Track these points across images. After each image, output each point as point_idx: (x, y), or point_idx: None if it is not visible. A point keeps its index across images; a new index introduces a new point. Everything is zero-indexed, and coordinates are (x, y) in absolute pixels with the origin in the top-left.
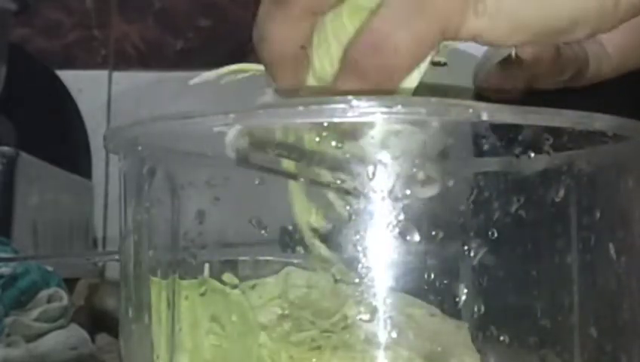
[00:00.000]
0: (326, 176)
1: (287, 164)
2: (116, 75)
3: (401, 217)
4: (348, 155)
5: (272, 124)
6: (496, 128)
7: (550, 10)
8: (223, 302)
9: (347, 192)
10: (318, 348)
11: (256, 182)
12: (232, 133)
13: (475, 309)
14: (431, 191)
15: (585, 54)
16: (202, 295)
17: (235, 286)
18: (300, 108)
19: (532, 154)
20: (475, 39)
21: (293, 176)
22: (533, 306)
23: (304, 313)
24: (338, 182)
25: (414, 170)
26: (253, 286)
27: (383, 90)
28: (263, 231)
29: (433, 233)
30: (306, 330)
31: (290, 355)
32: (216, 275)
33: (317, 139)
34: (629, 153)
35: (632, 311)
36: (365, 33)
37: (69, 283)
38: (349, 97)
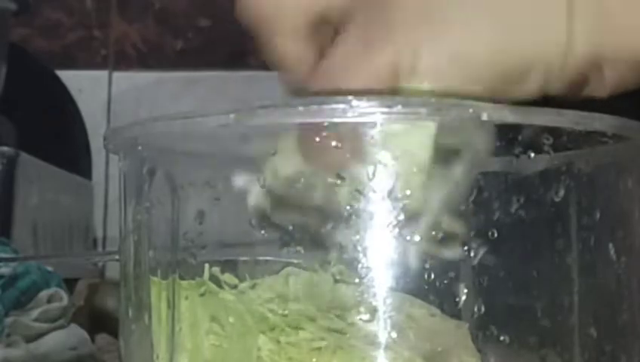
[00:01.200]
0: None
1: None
2: (116, 75)
3: (401, 217)
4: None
5: (271, 123)
6: (497, 128)
7: (501, 55)
8: (220, 304)
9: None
10: (318, 348)
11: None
12: (254, 194)
13: (475, 309)
14: (454, 253)
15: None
16: (202, 295)
17: (234, 286)
18: (300, 108)
19: (532, 155)
20: (425, 83)
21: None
22: (533, 306)
23: (304, 313)
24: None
25: (414, 169)
26: (253, 286)
27: None
28: (263, 231)
29: (433, 233)
30: (306, 331)
31: (290, 356)
32: (216, 275)
33: (317, 139)
34: (628, 153)
35: (632, 311)
36: (322, 65)
37: (69, 283)
38: (349, 97)
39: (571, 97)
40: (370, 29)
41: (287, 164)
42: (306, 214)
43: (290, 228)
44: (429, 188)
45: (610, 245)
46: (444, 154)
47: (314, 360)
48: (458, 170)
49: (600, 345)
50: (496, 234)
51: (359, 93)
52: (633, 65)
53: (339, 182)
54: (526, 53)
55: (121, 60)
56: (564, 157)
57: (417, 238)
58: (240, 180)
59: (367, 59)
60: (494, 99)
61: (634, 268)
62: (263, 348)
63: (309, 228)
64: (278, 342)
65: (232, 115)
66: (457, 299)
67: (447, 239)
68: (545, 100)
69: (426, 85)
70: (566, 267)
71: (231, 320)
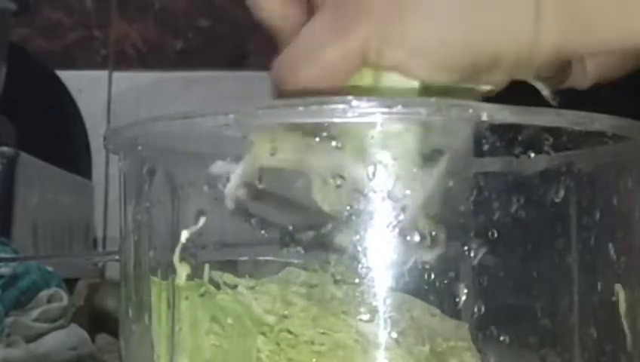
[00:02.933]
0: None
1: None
2: (116, 75)
3: (401, 217)
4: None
5: (271, 123)
6: (497, 128)
7: (469, 47)
8: (218, 305)
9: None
10: (318, 350)
11: (256, 183)
12: (232, 183)
13: (475, 309)
14: (435, 253)
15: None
16: (202, 295)
17: (234, 287)
18: (300, 108)
19: (532, 155)
20: (396, 70)
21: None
22: (533, 306)
23: (303, 314)
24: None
25: (414, 170)
26: (252, 287)
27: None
28: (263, 231)
29: (433, 233)
30: (306, 332)
31: (290, 357)
32: (215, 276)
33: (317, 139)
34: (628, 153)
35: (632, 311)
36: (292, 45)
37: (69, 283)
38: (349, 97)
39: (554, 87)
40: (343, 12)
41: (265, 156)
42: (284, 207)
43: (290, 228)
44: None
45: (610, 245)
46: (424, 156)
47: (314, 360)
48: (436, 172)
49: (600, 345)
50: (496, 235)
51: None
52: (611, 57)
53: (339, 181)
54: (494, 46)
55: (121, 60)
56: (564, 157)
57: (417, 238)
58: (217, 168)
59: (337, 41)
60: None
61: (634, 268)
62: (262, 349)
63: (307, 227)
64: (278, 343)
65: (231, 115)
66: (457, 299)
67: (424, 240)
68: (544, 100)
69: (394, 74)
70: (566, 267)
71: (229, 321)
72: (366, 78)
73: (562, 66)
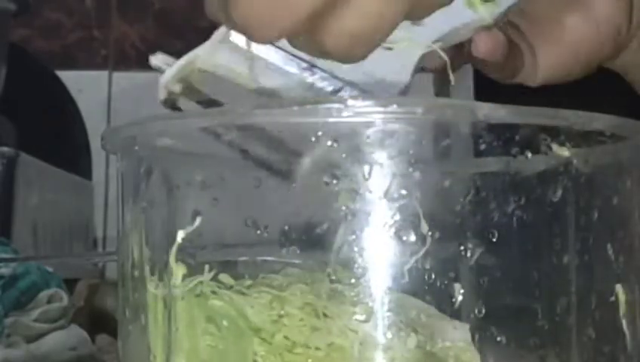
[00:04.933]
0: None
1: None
2: (116, 75)
3: (398, 217)
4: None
5: (267, 123)
6: (494, 128)
7: None
8: (213, 307)
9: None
10: (314, 354)
11: (254, 183)
12: (167, 75)
13: (474, 310)
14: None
15: (522, 61)
16: (198, 296)
17: (230, 287)
18: (295, 108)
19: (529, 154)
20: None
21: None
22: (531, 307)
23: (300, 314)
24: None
25: (410, 169)
26: (248, 287)
27: None
28: (260, 232)
29: (430, 233)
30: (302, 332)
31: (286, 360)
32: (213, 276)
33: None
34: (627, 153)
35: (631, 311)
36: None
37: (69, 284)
38: (345, 97)
39: (504, 81)
40: None
41: (207, 59)
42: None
43: (286, 228)
44: None
45: (609, 245)
46: None
47: (309, 360)
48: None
49: (598, 345)
50: (493, 235)
51: None
52: (562, 58)
53: (334, 181)
54: None
55: (121, 60)
56: (561, 157)
57: (413, 238)
58: (156, 60)
59: None
60: None
61: (633, 268)
62: (258, 351)
63: (302, 226)
64: (274, 344)
65: (227, 115)
66: (454, 300)
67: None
68: (542, 100)
69: None
70: (565, 267)
71: (225, 323)
72: None
73: (515, 59)
